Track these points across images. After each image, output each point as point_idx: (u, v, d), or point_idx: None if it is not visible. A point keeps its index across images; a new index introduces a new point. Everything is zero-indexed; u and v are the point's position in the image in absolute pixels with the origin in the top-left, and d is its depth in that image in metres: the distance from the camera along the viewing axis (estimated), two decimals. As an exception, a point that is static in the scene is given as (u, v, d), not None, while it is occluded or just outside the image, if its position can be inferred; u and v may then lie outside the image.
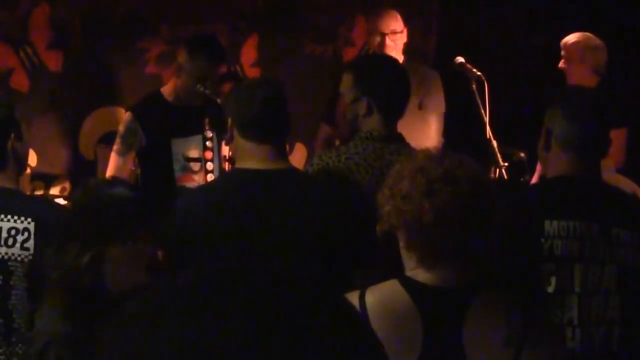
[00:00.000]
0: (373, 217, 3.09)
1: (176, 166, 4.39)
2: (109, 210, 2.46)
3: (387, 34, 4.87)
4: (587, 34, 5.08)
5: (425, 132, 4.82)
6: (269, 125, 3.02)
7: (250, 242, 2.94)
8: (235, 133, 3.08)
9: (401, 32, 4.92)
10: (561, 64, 5.07)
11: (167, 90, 4.48)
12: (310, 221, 2.97)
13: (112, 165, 4.40)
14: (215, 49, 4.42)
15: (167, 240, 3.16)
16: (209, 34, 4.68)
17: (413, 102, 4.82)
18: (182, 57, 4.40)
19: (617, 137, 4.72)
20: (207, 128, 4.46)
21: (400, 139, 3.40)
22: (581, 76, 4.97)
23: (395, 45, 4.89)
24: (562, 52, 5.09)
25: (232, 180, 3.20)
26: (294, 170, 3.10)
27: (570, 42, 5.09)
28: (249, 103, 3.03)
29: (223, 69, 4.47)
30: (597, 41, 5.05)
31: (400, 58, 4.88)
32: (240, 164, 3.12)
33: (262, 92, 3.03)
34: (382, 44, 4.88)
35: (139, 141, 4.35)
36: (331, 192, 3.12)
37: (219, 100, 4.14)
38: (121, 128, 4.40)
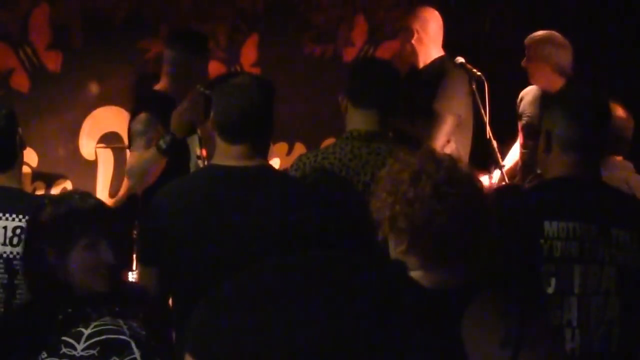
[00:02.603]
0: (336, 217, 3.12)
1: (191, 163, 4.38)
2: (69, 218, 2.47)
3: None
4: (552, 32, 4.99)
5: (436, 131, 4.79)
6: (242, 129, 3.02)
7: (210, 236, 2.96)
8: (215, 130, 3.11)
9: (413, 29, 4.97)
10: (523, 62, 5.01)
11: (162, 89, 4.46)
12: (272, 217, 2.98)
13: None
14: (192, 39, 4.44)
15: (142, 238, 3.21)
16: (188, 29, 4.70)
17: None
18: (165, 54, 4.41)
19: None
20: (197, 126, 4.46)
21: (383, 139, 3.36)
22: (543, 75, 4.91)
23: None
24: (526, 50, 5.02)
25: (202, 176, 3.23)
26: (265, 167, 3.09)
27: (532, 40, 5.00)
28: (225, 106, 3.04)
29: (206, 62, 4.46)
30: (560, 40, 4.95)
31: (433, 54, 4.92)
32: (214, 161, 3.15)
33: (239, 95, 3.02)
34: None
35: (161, 138, 4.30)
36: (302, 190, 3.12)
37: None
38: (139, 126, 4.28)
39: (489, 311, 2.25)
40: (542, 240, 2.66)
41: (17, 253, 2.90)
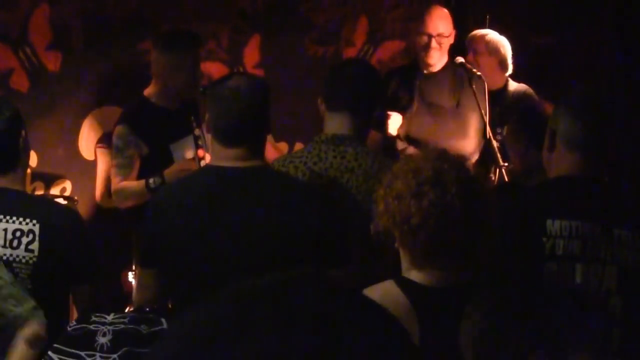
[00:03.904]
0: (335, 218, 3.12)
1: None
2: None
3: (434, 36, 4.75)
4: (491, 30, 5.12)
5: (462, 130, 4.76)
6: (238, 132, 3.01)
7: (209, 237, 2.96)
8: (210, 133, 3.11)
9: (449, 35, 4.80)
10: (470, 57, 5.04)
11: (151, 93, 4.47)
12: (270, 217, 2.97)
13: (118, 179, 4.36)
14: (172, 39, 4.47)
15: (141, 241, 3.20)
16: (173, 28, 4.78)
17: (450, 102, 4.78)
18: (161, 57, 4.41)
19: None
20: (194, 126, 4.47)
21: (351, 142, 3.36)
22: (490, 68, 4.97)
23: (440, 48, 4.79)
24: (471, 45, 5.11)
25: (199, 177, 3.24)
26: (262, 167, 3.09)
27: (478, 35, 5.13)
28: (220, 109, 3.03)
29: (199, 60, 4.49)
30: (501, 37, 5.09)
31: (444, 59, 4.83)
32: (211, 162, 3.16)
33: (234, 98, 3.00)
34: (428, 45, 4.77)
35: (140, 151, 4.34)
36: (301, 191, 3.12)
37: None
38: (118, 142, 4.36)
39: (488, 310, 2.25)
40: (544, 239, 2.67)
41: (17, 256, 2.89)
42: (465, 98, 4.79)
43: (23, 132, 3.01)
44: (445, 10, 4.90)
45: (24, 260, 2.89)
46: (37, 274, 2.91)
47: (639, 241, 2.71)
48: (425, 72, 4.87)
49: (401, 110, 4.76)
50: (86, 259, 3.02)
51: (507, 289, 2.37)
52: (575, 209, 2.70)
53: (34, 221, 2.91)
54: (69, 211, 3.25)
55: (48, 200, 4.06)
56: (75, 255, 2.96)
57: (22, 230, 2.90)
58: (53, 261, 2.92)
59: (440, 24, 4.80)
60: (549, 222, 2.67)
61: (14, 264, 2.89)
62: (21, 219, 2.91)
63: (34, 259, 2.90)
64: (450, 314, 2.22)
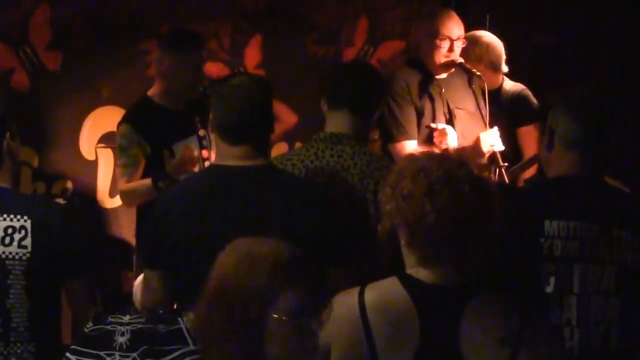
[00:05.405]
0: (339, 216, 3.13)
1: None
2: None
3: (455, 40, 4.61)
4: (479, 32, 4.98)
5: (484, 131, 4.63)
6: (242, 131, 3.03)
7: (213, 237, 2.95)
8: (215, 132, 3.13)
9: (464, 37, 4.69)
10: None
11: (154, 93, 4.48)
12: (274, 217, 2.97)
13: (124, 180, 4.38)
14: (173, 37, 4.48)
15: (147, 241, 3.21)
16: (177, 27, 4.81)
17: (473, 104, 4.69)
18: (165, 56, 4.41)
19: (532, 131, 4.86)
20: (199, 127, 4.48)
21: (349, 141, 3.38)
22: (480, 73, 4.75)
23: (458, 50, 4.65)
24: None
25: (204, 177, 3.25)
26: (267, 166, 3.10)
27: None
28: (224, 107, 3.05)
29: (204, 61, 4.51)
30: (489, 38, 4.96)
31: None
32: (216, 161, 3.18)
33: (237, 97, 3.02)
34: (451, 49, 4.60)
35: (143, 151, 4.35)
36: (305, 190, 3.13)
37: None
38: (122, 141, 4.39)
39: (488, 310, 2.26)
40: (542, 239, 2.67)
41: (10, 252, 2.90)
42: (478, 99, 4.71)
43: (8, 134, 3.01)
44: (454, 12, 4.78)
45: (17, 257, 2.90)
46: (31, 269, 2.91)
47: (638, 241, 2.71)
48: (437, 77, 4.69)
49: (429, 119, 4.61)
50: (79, 253, 3.02)
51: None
52: (573, 210, 2.70)
53: (25, 217, 2.92)
54: (59, 206, 3.28)
55: (38, 196, 4.07)
56: (67, 250, 2.96)
57: (13, 227, 2.91)
58: (46, 256, 2.92)
59: (458, 27, 4.67)
60: (547, 222, 2.67)
61: (7, 261, 2.89)
62: (12, 216, 2.92)
63: (28, 255, 2.90)
64: (451, 312, 2.23)
